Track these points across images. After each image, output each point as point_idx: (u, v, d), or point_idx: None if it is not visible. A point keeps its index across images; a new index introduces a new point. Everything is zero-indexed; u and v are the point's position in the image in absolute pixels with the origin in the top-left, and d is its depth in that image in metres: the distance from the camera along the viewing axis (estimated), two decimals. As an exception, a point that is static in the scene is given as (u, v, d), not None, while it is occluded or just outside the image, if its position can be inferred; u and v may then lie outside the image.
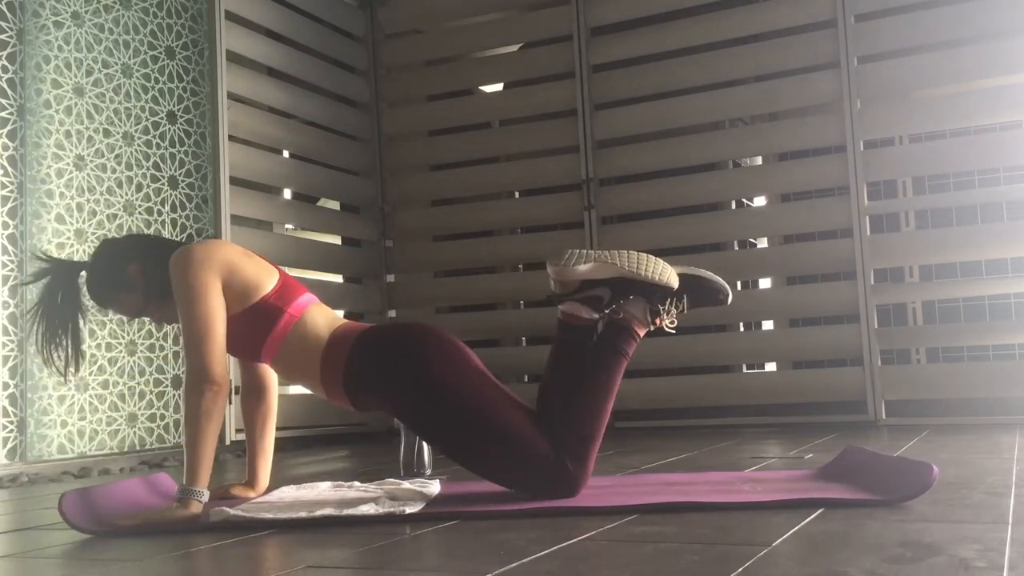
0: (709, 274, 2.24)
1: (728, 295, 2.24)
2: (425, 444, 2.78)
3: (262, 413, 2.43)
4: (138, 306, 2.23)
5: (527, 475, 2.08)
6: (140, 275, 2.19)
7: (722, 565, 1.38)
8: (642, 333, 2.19)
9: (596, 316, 2.17)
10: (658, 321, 2.18)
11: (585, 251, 2.15)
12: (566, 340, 2.21)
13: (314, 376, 2.16)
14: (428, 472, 2.75)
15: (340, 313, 5.31)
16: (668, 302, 2.16)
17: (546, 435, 2.06)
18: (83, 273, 2.23)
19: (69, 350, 2.18)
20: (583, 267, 2.13)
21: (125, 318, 2.22)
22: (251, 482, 2.40)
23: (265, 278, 2.18)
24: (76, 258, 3.49)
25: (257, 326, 2.15)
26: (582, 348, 2.19)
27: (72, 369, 2.19)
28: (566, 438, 2.07)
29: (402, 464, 2.77)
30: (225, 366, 2.07)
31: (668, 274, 2.15)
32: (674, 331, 2.20)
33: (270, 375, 2.43)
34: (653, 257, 2.16)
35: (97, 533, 1.94)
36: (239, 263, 2.16)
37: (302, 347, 2.16)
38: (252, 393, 2.43)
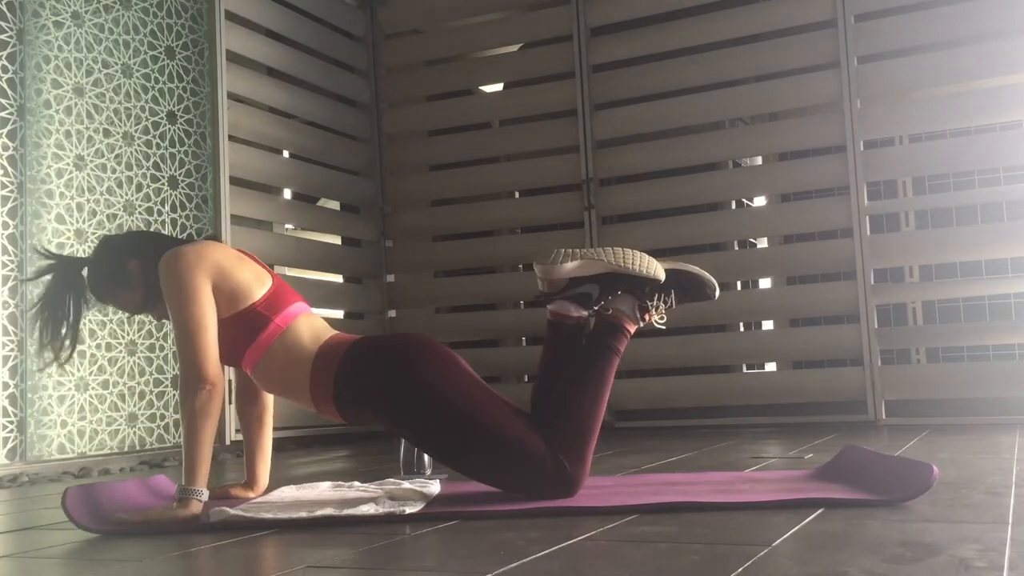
0: (696, 269, 2.25)
1: (715, 289, 2.25)
2: (425, 444, 2.78)
3: (258, 413, 2.43)
4: (138, 303, 2.24)
5: (525, 477, 2.08)
6: (140, 272, 2.19)
7: (722, 565, 1.38)
8: (632, 330, 2.19)
9: (585, 313, 2.18)
10: (647, 317, 2.18)
11: (572, 250, 2.16)
12: (557, 339, 2.22)
13: (301, 388, 2.14)
14: (428, 472, 2.75)
15: (339, 313, 5.32)
16: (656, 297, 2.17)
17: (541, 436, 2.06)
18: (85, 269, 2.24)
19: (67, 343, 2.18)
20: (570, 265, 2.14)
21: (126, 314, 2.22)
22: (250, 482, 2.40)
23: (255, 285, 2.17)
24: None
25: (242, 333, 2.14)
26: (573, 347, 2.20)
27: (65, 361, 2.19)
28: (562, 438, 2.07)
29: (402, 464, 2.77)
30: (218, 365, 2.07)
31: (655, 267, 2.16)
32: (664, 326, 2.20)
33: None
34: (639, 252, 2.17)
35: (99, 531, 1.94)
36: (230, 267, 2.15)
37: (286, 359, 2.14)
38: (247, 393, 2.43)
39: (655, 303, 2.17)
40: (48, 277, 2.20)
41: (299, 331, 2.18)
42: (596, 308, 2.18)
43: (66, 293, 2.19)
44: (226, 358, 2.19)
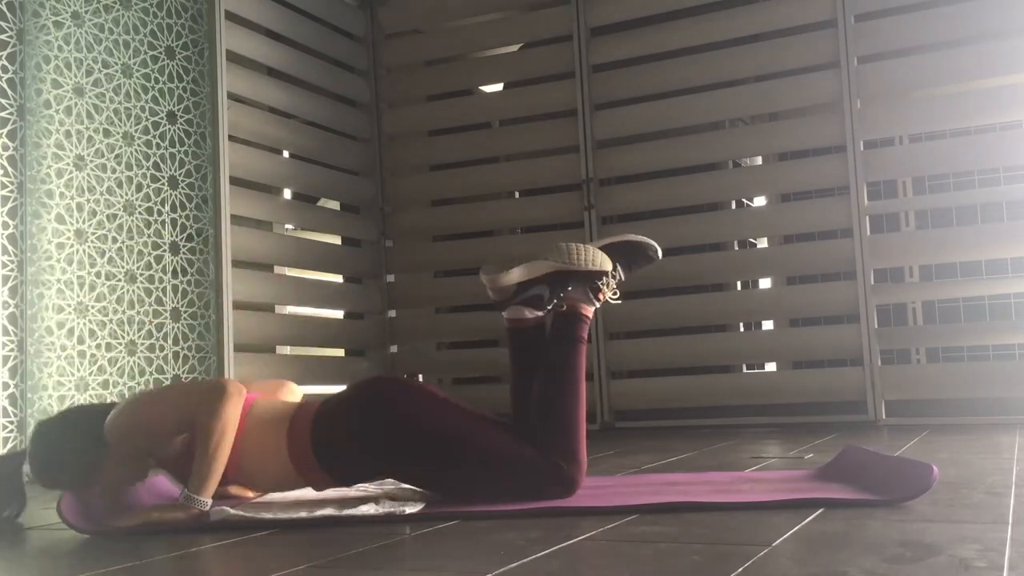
0: (633, 236, 2.28)
1: (657, 250, 2.30)
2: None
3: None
4: (88, 477, 2.15)
5: (523, 485, 2.08)
6: (80, 451, 2.11)
7: (722, 565, 1.38)
8: (590, 313, 2.23)
9: (540, 314, 2.22)
10: (600, 297, 2.23)
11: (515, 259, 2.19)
12: (520, 344, 2.24)
13: (283, 464, 2.10)
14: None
15: (339, 313, 5.31)
16: (602, 278, 2.20)
17: (530, 442, 2.07)
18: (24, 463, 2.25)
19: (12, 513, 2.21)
20: (515, 271, 2.16)
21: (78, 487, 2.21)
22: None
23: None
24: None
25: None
26: (537, 346, 2.22)
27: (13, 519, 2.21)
28: (552, 440, 2.08)
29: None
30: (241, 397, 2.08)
31: (599, 258, 2.19)
32: (619, 300, 2.26)
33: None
34: (581, 245, 2.20)
35: (96, 533, 1.94)
36: (155, 425, 2.09)
37: (261, 447, 2.11)
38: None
39: (605, 282, 2.21)
40: None
41: (260, 417, 2.14)
42: (549, 307, 2.21)
43: (13, 487, 2.22)
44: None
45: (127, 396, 2.19)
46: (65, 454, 2.15)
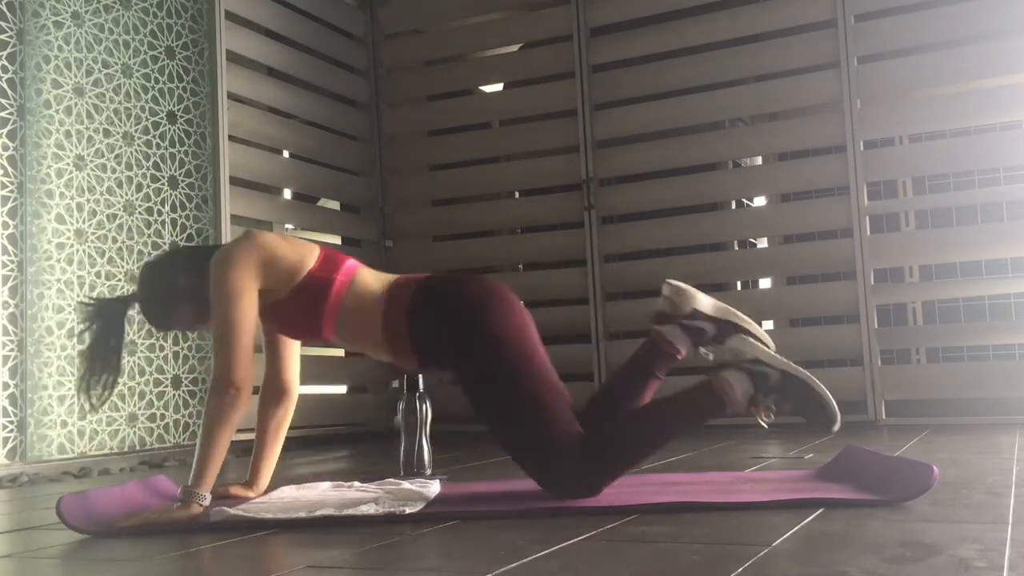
0: (822, 389, 2.06)
1: (835, 423, 2.06)
2: (425, 444, 2.79)
3: (279, 417, 2.42)
4: (194, 317, 2.23)
5: (553, 467, 2.04)
6: (189, 285, 2.19)
7: (722, 565, 1.38)
8: (727, 411, 2.07)
9: (684, 351, 2.11)
10: (754, 409, 2.06)
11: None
12: (644, 360, 2.16)
13: (376, 335, 2.14)
14: (428, 472, 2.75)
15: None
16: (770, 395, 2.05)
17: (585, 439, 2.04)
18: (133, 306, 2.24)
19: (107, 385, 2.18)
20: (704, 298, 2.12)
21: (186, 333, 2.26)
22: (251, 482, 2.40)
23: (306, 255, 2.18)
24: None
25: (310, 302, 2.15)
26: (651, 376, 2.16)
27: (105, 402, 2.19)
28: (605, 456, 2.04)
29: (402, 464, 2.77)
30: (249, 371, 2.06)
31: (789, 366, 2.06)
32: (766, 427, 2.09)
33: (295, 380, 2.42)
34: (774, 353, 2.09)
35: (96, 534, 1.94)
36: (278, 249, 2.15)
37: (360, 310, 2.15)
38: (273, 396, 2.42)
39: (769, 401, 2.04)
40: (95, 323, 2.19)
41: (365, 281, 2.19)
42: (702, 349, 2.11)
43: (110, 339, 2.18)
44: (304, 331, 2.22)
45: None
46: (178, 289, 2.19)
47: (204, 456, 2.02)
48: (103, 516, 2.02)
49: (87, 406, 2.18)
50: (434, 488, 2.27)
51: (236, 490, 2.36)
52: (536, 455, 2.06)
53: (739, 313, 2.12)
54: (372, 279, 2.21)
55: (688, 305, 2.12)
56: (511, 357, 2.06)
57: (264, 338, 2.41)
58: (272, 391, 2.42)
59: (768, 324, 5.15)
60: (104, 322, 2.19)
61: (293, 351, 2.42)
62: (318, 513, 1.99)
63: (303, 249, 2.20)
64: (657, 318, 2.17)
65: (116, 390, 2.22)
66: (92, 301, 2.24)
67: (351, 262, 2.24)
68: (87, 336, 2.20)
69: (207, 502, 2.01)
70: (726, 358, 2.10)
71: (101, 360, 2.17)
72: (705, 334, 2.10)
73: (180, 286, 2.20)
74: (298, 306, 2.16)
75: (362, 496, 2.21)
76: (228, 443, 2.06)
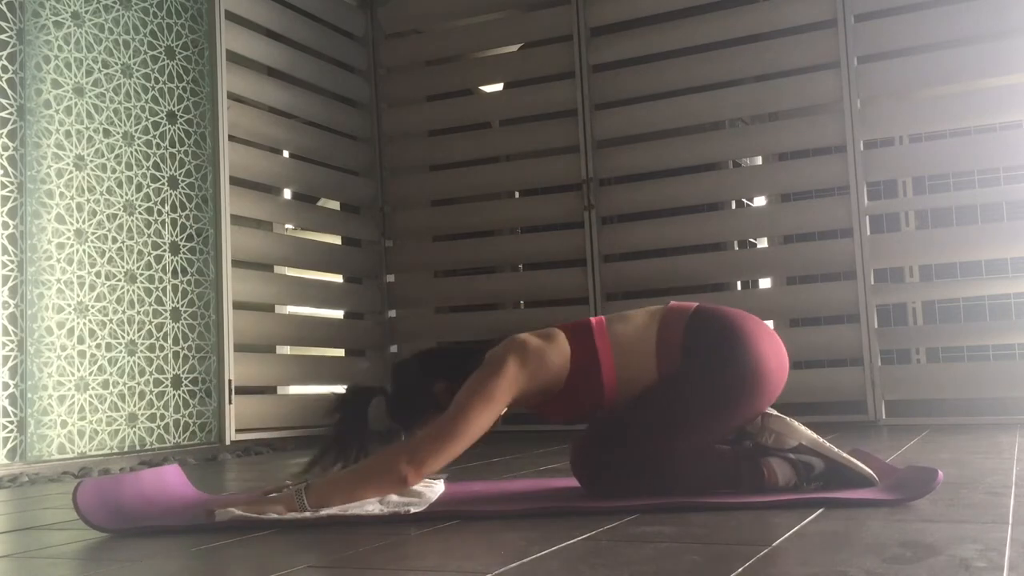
0: (861, 467, 2.05)
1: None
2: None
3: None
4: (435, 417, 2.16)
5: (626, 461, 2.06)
6: (447, 393, 2.13)
7: (722, 565, 1.38)
8: (758, 488, 2.03)
9: (791, 484, 2.03)
10: (796, 492, 2.03)
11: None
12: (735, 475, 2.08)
13: (651, 374, 2.12)
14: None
15: (340, 313, 5.31)
16: (813, 483, 2.03)
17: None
18: (379, 396, 2.21)
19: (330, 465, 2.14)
20: (808, 432, 2.07)
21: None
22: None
23: (562, 344, 2.14)
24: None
25: (587, 382, 2.13)
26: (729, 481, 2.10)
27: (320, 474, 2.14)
28: (647, 471, 2.06)
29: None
30: (432, 472, 2.04)
31: (823, 447, 2.05)
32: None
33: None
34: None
35: (116, 531, 1.93)
36: (545, 355, 2.11)
37: (633, 362, 2.13)
38: None
39: (811, 488, 2.03)
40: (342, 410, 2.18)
41: (622, 331, 2.16)
42: (807, 486, 2.02)
43: (354, 426, 2.16)
44: (587, 410, 2.17)
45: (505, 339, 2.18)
46: (434, 394, 2.16)
47: (341, 493, 1.99)
48: (118, 509, 2.01)
49: (305, 475, 2.13)
50: (438, 488, 2.27)
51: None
52: (633, 452, 2.07)
53: (834, 448, 2.07)
54: (630, 323, 2.17)
55: (793, 439, 2.06)
56: (737, 411, 2.07)
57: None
58: None
59: (768, 324, 5.15)
60: (350, 417, 2.16)
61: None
62: (323, 513, 1.98)
63: (557, 339, 2.15)
64: (757, 448, 2.09)
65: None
66: (345, 391, 2.20)
67: (597, 321, 2.19)
68: (333, 424, 2.17)
69: (306, 514, 1.98)
70: (768, 443, 2.07)
71: (339, 450, 2.14)
72: (813, 469, 2.04)
73: (436, 391, 2.16)
74: (576, 392, 2.12)
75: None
76: (362, 500, 2.02)
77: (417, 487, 2.26)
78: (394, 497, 2.18)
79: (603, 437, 2.11)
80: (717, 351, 2.11)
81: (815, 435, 2.07)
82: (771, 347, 2.16)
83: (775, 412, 2.11)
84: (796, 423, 2.08)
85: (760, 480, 2.04)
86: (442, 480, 2.46)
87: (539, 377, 2.10)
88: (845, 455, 2.05)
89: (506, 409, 2.10)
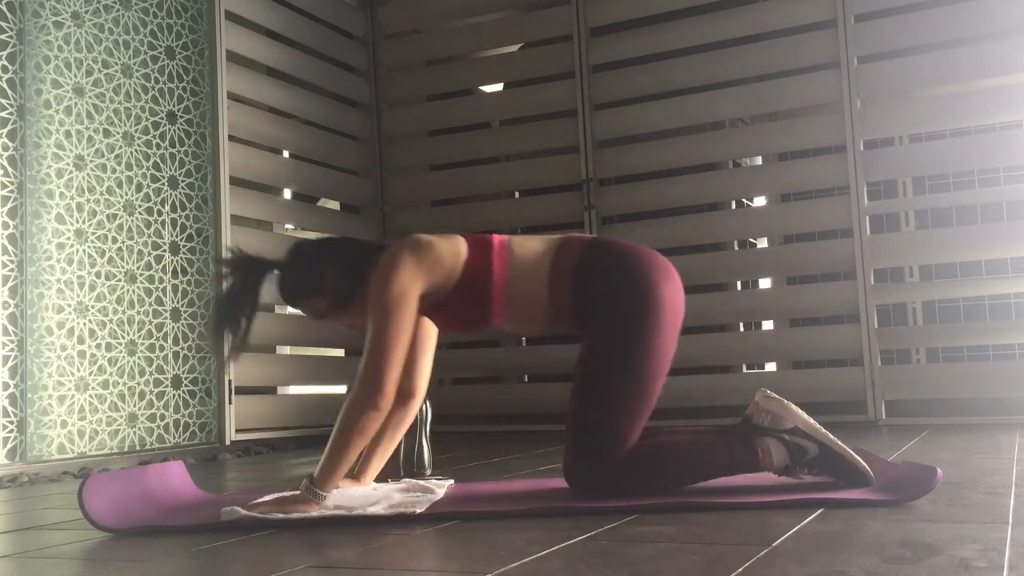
0: (855, 458, 2.04)
1: (870, 485, 2.02)
2: (425, 444, 2.79)
3: (398, 417, 2.39)
4: (323, 310, 2.22)
5: (605, 447, 2.06)
6: (333, 280, 2.17)
7: (722, 565, 1.38)
8: (753, 469, 2.05)
9: (783, 467, 2.04)
10: (785, 476, 2.06)
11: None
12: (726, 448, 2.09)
13: (542, 304, 2.13)
14: (428, 472, 2.75)
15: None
16: (805, 468, 2.04)
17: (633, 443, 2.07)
18: (274, 270, 2.22)
19: (239, 338, 2.16)
20: (802, 414, 2.07)
21: (310, 317, 2.24)
22: (359, 474, 2.39)
23: (459, 247, 2.16)
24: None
25: (475, 292, 2.14)
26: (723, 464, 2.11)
27: (235, 357, 2.18)
28: (638, 468, 2.06)
29: (402, 464, 2.77)
30: (396, 384, 2.05)
31: (819, 433, 2.06)
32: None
33: (423, 384, 2.40)
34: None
35: (117, 530, 1.92)
36: (438, 250, 2.13)
37: (524, 283, 2.14)
38: (399, 396, 2.36)
39: (802, 472, 2.04)
40: (233, 274, 2.19)
41: (520, 252, 2.17)
42: (801, 471, 2.04)
43: (246, 291, 2.17)
44: (471, 323, 2.20)
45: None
46: (320, 279, 2.17)
47: (335, 458, 2.01)
48: (123, 508, 2.01)
49: (216, 354, 2.15)
50: (440, 489, 2.27)
51: (344, 482, 2.37)
52: (601, 444, 2.06)
53: (829, 435, 2.06)
54: (528, 248, 2.18)
55: (789, 421, 2.06)
56: (647, 346, 2.07)
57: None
58: (406, 386, 2.39)
59: (768, 324, 5.16)
60: (242, 278, 2.17)
61: (427, 355, 2.40)
62: (329, 513, 1.99)
63: (454, 242, 2.17)
64: (752, 428, 2.09)
65: (242, 353, 2.17)
66: (239, 252, 2.22)
67: (499, 238, 2.20)
68: (223, 286, 2.19)
69: (328, 503, 2.00)
70: (764, 424, 2.07)
71: (229, 318, 2.15)
72: (807, 453, 2.04)
73: (323, 276, 2.18)
74: (464, 299, 2.15)
75: (369, 496, 2.20)
76: (360, 451, 2.05)
77: (420, 486, 2.26)
78: (397, 496, 2.18)
79: (575, 443, 2.10)
80: (607, 277, 2.11)
81: (811, 420, 2.07)
82: (664, 275, 2.15)
83: (774, 394, 2.11)
84: (793, 406, 2.09)
85: (755, 460, 2.04)
86: (445, 481, 2.46)
87: (436, 272, 2.12)
88: (840, 443, 2.05)
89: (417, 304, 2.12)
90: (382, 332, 2.04)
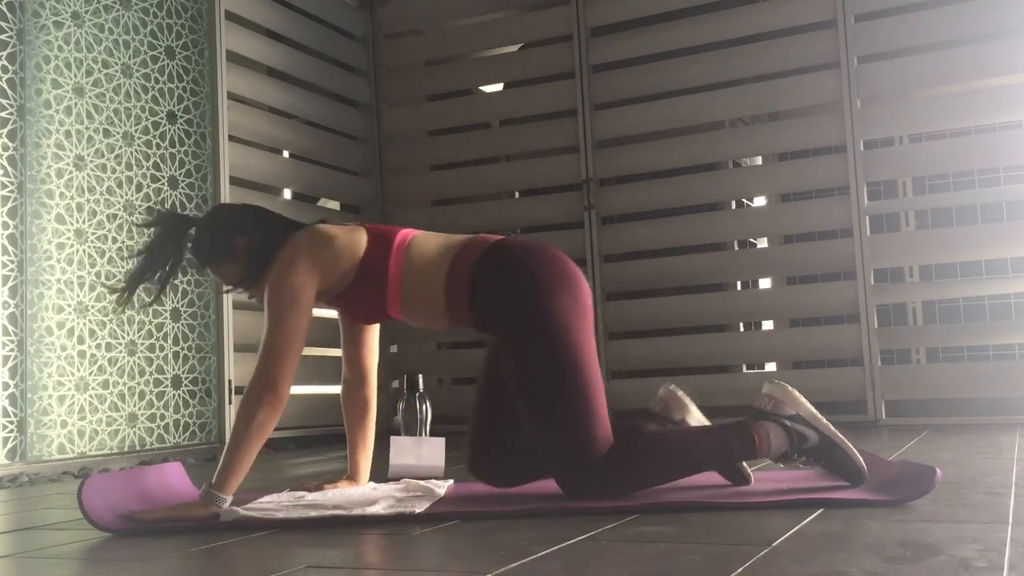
0: (853, 452, 2.03)
1: (862, 483, 2.02)
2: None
3: (360, 408, 2.41)
4: (236, 279, 2.22)
5: (571, 453, 2.02)
6: (245, 250, 2.18)
7: (722, 565, 1.38)
8: (756, 457, 2.05)
9: (781, 453, 2.03)
10: (781, 463, 2.06)
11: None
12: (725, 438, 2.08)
13: (438, 304, 2.12)
14: (428, 472, 2.75)
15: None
16: (803, 456, 2.03)
17: (607, 441, 2.03)
18: (193, 228, 2.23)
19: (157, 287, 2.18)
20: (806, 402, 2.05)
21: (222, 283, 2.26)
22: (353, 475, 2.41)
23: (357, 242, 2.16)
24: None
25: (371, 287, 2.15)
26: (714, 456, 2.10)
27: (149, 304, 2.19)
28: (629, 463, 2.04)
29: (402, 465, 2.77)
30: (291, 381, 2.05)
31: (820, 422, 2.04)
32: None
33: (371, 370, 2.41)
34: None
35: (116, 530, 1.93)
36: (335, 245, 2.14)
37: (421, 282, 2.13)
38: (351, 388, 2.42)
39: (800, 461, 2.03)
40: (156, 228, 2.21)
41: (420, 251, 2.16)
42: (798, 459, 2.02)
43: (169, 243, 2.18)
44: (372, 314, 2.22)
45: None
46: (231, 245, 2.17)
47: (233, 461, 2.02)
48: (123, 506, 2.02)
49: (118, 301, 2.17)
50: (441, 489, 2.27)
51: (342, 484, 2.37)
52: (569, 444, 2.02)
53: (831, 426, 2.04)
54: (430, 246, 2.17)
55: (791, 408, 2.05)
56: (565, 338, 2.04)
57: (341, 325, 2.41)
58: (349, 384, 2.42)
59: (768, 324, 5.16)
60: (166, 233, 2.18)
61: (370, 346, 2.41)
62: (329, 513, 1.99)
63: (354, 236, 2.17)
64: (752, 411, 2.09)
65: (167, 296, 2.21)
66: (162, 208, 2.24)
67: (402, 233, 2.20)
68: (147, 238, 2.21)
69: (226, 506, 2.00)
70: (766, 408, 2.06)
71: (150, 270, 2.16)
72: (807, 441, 2.02)
73: (234, 244, 2.18)
74: (360, 294, 2.16)
75: (368, 496, 2.21)
76: (258, 450, 2.05)
77: (421, 486, 2.26)
78: (397, 495, 2.18)
79: (546, 452, 2.07)
80: (500, 280, 2.10)
81: (814, 409, 2.07)
82: (562, 280, 2.11)
83: (781, 382, 2.11)
84: (797, 393, 2.08)
85: (751, 448, 2.03)
86: (451, 481, 2.46)
87: (334, 267, 2.13)
88: (841, 436, 2.04)
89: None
90: (276, 330, 2.05)
